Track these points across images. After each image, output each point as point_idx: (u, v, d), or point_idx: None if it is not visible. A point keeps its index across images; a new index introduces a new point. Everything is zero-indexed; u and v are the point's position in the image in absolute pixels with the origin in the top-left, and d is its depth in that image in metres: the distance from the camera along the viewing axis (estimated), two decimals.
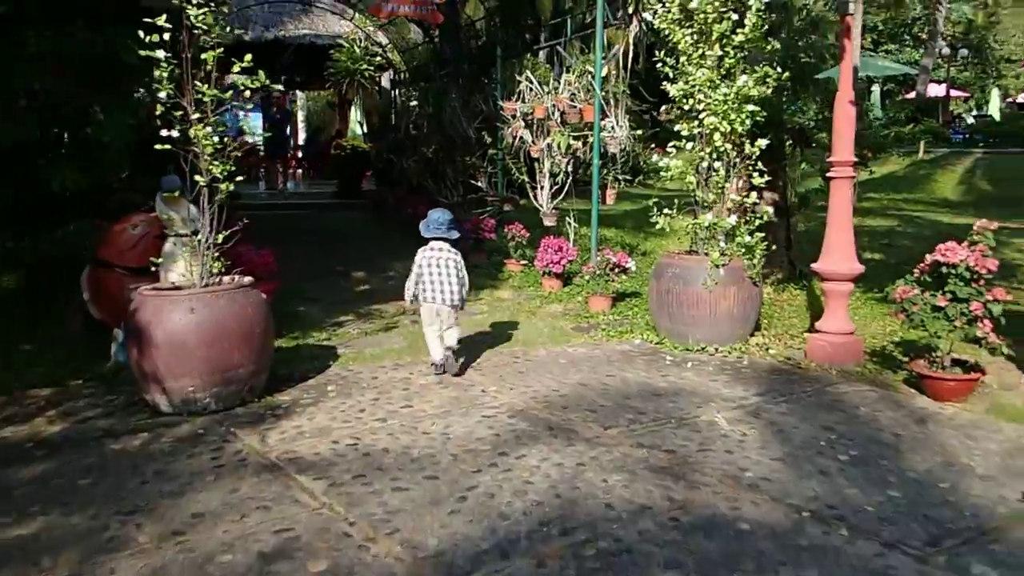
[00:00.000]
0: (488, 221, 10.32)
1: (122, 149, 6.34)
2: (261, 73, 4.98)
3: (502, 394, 5.19)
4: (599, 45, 8.36)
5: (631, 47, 24.46)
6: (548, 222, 9.58)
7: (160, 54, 4.57)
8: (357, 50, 17.86)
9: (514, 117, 9.95)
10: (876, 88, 31.20)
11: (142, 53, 4.59)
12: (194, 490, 3.80)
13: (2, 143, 5.65)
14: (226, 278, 5.33)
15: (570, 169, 9.41)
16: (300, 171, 24.06)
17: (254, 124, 29.97)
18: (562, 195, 9.47)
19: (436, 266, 5.70)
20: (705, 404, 4.93)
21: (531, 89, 9.73)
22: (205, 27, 4.71)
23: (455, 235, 5.83)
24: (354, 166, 18.12)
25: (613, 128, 9.06)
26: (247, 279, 5.26)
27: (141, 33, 4.56)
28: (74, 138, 6.38)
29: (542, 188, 9.71)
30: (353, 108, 26.25)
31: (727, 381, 5.42)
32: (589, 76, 9.43)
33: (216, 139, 4.86)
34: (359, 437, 4.44)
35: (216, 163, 4.92)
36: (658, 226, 6.61)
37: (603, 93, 9.02)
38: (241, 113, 27.09)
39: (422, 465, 4.02)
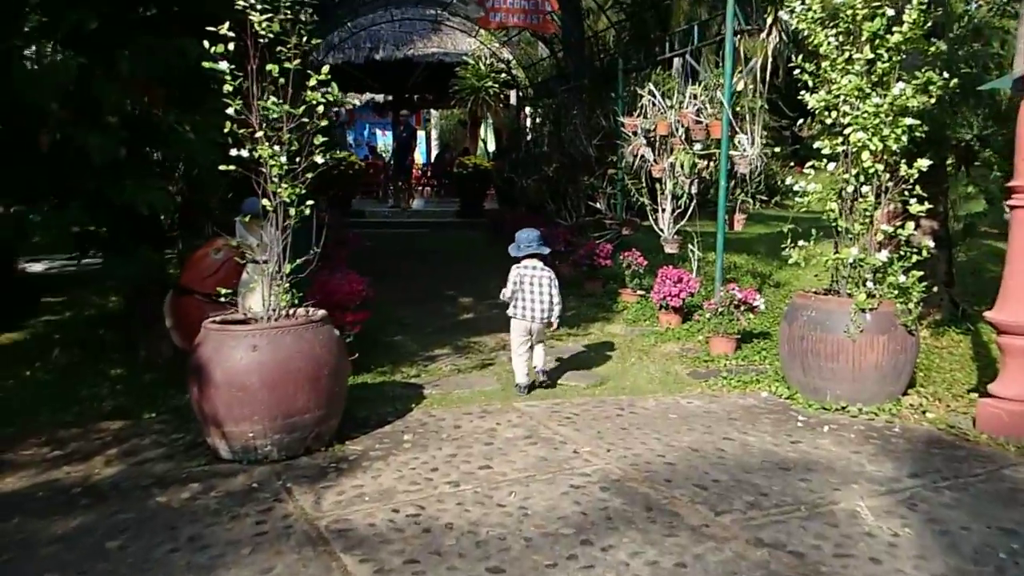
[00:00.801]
0: (604, 246, 9.58)
1: (212, 169, 6.02)
2: (334, 86, 4.47)
3: (597, 457, 4.44)
4: (729, 53, 7.50)
5: (770, 59, 23.13)
6: (669, 249, 8.75)
7: (223, 66, 4.13)
8: (482, 67, 17.54)
9: (635, 134, 9.18)
10: None
11: (205, 65, 4.17)
12: (225, 566, 3.27)
13: (94, 162, 5.41)
14: (300, 311, 4.86)
15: (694, 191, 8.55)
16: (429, 189, 24.08)
17: (386, 142, 30.46)
18: (685, 219, 8.62)
19: (531, 282, 5.73)
20: (845, 486, 4.02)
21: (654, 104, 8.94)
22: (271, 35, 4.22)
23: (546, 251, 5.86)
24: (476, 184, 17.80)
25: (743, 145, 8.15)
26: (319, 313, 4.75)
27: (206, 43, 4.14)
28: (163, 158, 6.12)
29: (663, 211, 8.89)
30: (483, 126, 26.16)
31: (873, 454, 4.47)
32: (720, 89, 8.57)
33: (284, 159, 4.37)
34: (423, 506, 3.81)
35: (285, 186, 4.43)
36: (791, 260, 5.69)
37: (737, 108, 8.15)
38: (379, 131, 27.47)
39: (487, 552, 3.34)
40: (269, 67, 4.21)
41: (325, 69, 4.48)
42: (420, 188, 24.85)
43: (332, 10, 13.06)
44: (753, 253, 12.29)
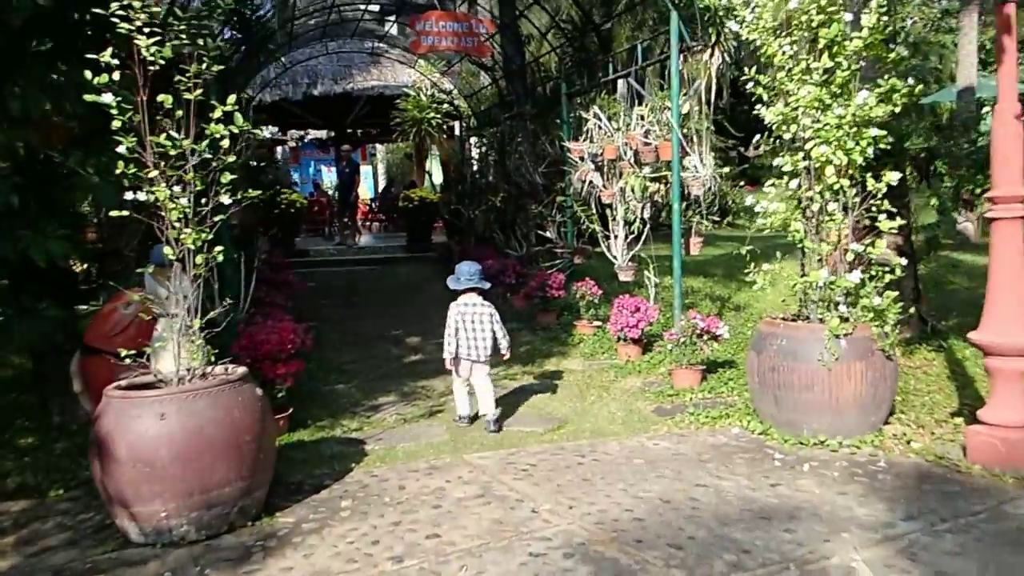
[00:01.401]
0: (556, 277, 9.17)
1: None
2: (238, 117, 3.98)
3: (558, 516, 3.96)
4: (675, 71, 7.20)
5: (714, 80, 23.18)
6: (624, 276, 8.36)
7: (108, 98, 3.62)
8: (423, 98, 17.21)
9: (582, 159, 8.82)
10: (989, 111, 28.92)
11: (87, 98, 3.65)
12: None
13: None
14: (218, 368, 4.33)
15: (647, 215, 8.19)
16: (376, 224, 23.57)
17: (331, 179, 29.89)
18: (639, 245, 8.26)
19: (471, 321, 5.63)
20: (835, 535, 3.60)
21: (600, 127, 8.60)
22: (161, 62, 3.73)
23: (487, 285, 5.77)
24: (422, 218, 17.34)
25: (695, 167, 7.83)
26: (239, 371, 4.22)
27: (88, 73, 3.62)
28: (69, 203, 5.53)
29: (616, 238, 8.51)
30: (428, 158, 25.76)
31: (861, 495, 4.06)
32: (666, 111, 8.27)
33: (186, 202, 3.86)
34: None
35: (189, 231, 3.92)
36: (756, 286, 5.32)
37: (684, 130, 7.83)
38: (324, 168, 26.86)
39: None
40: (161, 98, 3.71)
41: (232, 99, 4.00)
42: (367, 224, 24.34)
43: (258, 44, 12.57)
44: (710, 276, 11.99)
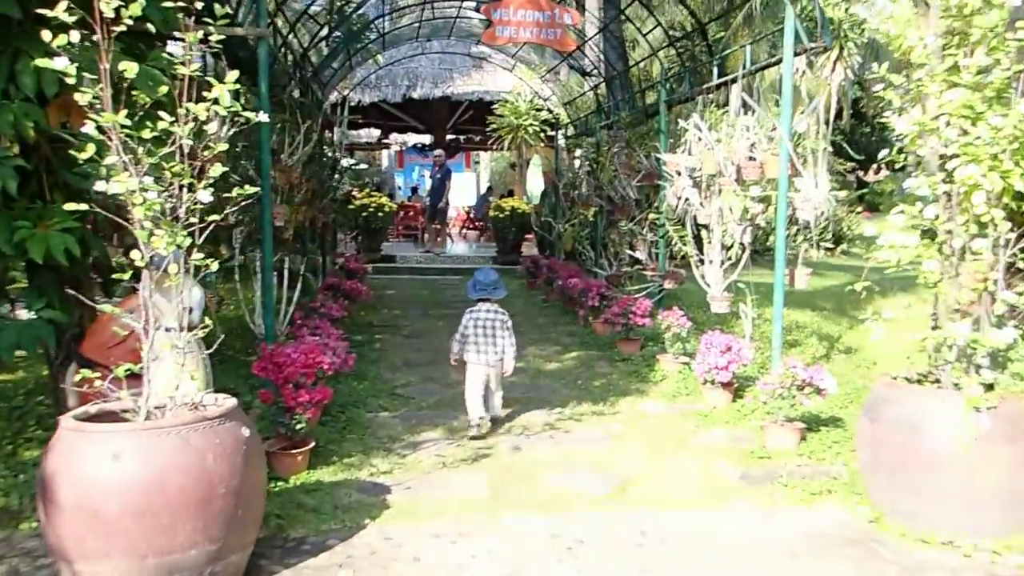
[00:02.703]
0: (642, 303, 8.25)
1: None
2: (223, 95, 3.27)
3: None
4: (788, 71, 6.22)
5: (833, 97, 21.57)
6: (717, 307, 7.37)
7: (60, 63, 2.96)
8: (521, 104, 16.53)
9: (678, 173, 7.88)
10: None
11: (37, 63, 3.03)
12: None
13: None
14: (209, 398, 3.66)
15: (747, 239, 7.18)
16: (473, 232, 23.12)
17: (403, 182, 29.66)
18: (737, 272, 7.26)
19: (482, 326, 5.77)
20: None
21: (699, 139, 7.65)
22: (130, 22, 3.04)
23: (501, 294, 5.96)
24: (513, 229, 16.65)
25: (806, 188, 6.79)
26: (226, 404, 3.52)
27: (47, 34, 2.99)
28: (77, 190, 4.98)
29: (711, 263, 7.53)
30: (531, 167, 25.16)
31: None
32: (775, 122, 7.28)
33: (156, 196, 3.18)
34: None
35: (161, 232, 3.24)
36: (874, 335, 4.28)
37: (798, 149, 6.83)
38: (426, 173, 26.53)
39: None
40: (124, 66, 3.03)
41: (232, 75, 3.31)
42: (464, 232, 23.91)
43: (348, 37, 12.15)
44: (818, 309, 10.80)
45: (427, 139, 26.02)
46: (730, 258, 7.37)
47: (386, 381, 7.10)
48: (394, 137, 28.99)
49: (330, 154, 12.37)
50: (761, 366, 7.38)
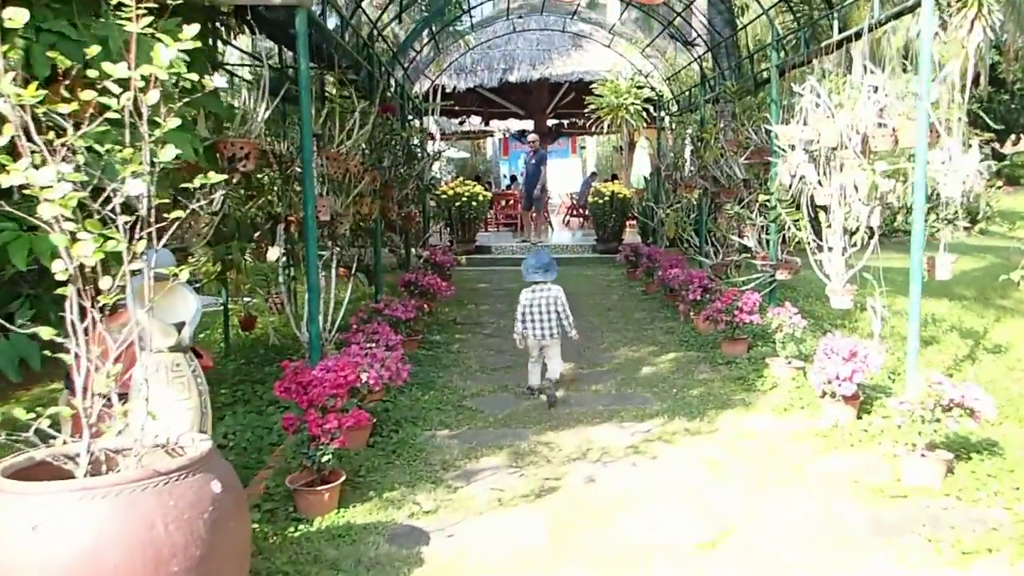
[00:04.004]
0: (750, 297, 7.18)
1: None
2: (156, 56, 2.52)
3: None
4: (928, 12, 5.08)
5: (971, 61, 19.58)
6: (838, 302, 6.27)
7: None
8: (622, 82, 15.54)
9: (792, 148, 6.79)
10: None
11: None
12: None
13: None
14: (180, 437, 2.98)
15: (875, 222, 6.05)
16: (578, 220, 22.29)
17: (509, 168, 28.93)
18: (863, 260, 6.14)
19: (537, 304, 6.16)
20: None
21: (817, 105, 6.53)
22: None
23: (552, 276, 6.25)
24: (613, 215, 15.65)
25: (952, 159, 5.60)
26: (198, 449, 2.81)
27: None
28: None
29: (830, 250, 6.42)
30: (637, 149, 24.10)
31: None
32: (910, 82, 6.10)
33: (70, 186, 2.45)
34: None
35: (79, 229, 2.51)
36: None
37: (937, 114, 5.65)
38: (522, 161, 25.95)
39: None
40: (9, 14, 2.32)
41: (188, 33, 2.57)
42: (567, 220, 23.10)
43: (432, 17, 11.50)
44: (957, 298, 9.41)
45: (529, 125, 25.25)
46: (854, 244, 6.26)
47: (455, 390, 6.35)
48: (495, 124, 28.38)
49: (414, 141, 11.77)
50: (892, 371, 6.27)
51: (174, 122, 2.58)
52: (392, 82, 10.47)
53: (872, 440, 4.87)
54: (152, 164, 2.62)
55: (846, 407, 5.19)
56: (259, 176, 6.32)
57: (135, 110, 2.58)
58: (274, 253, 6.31)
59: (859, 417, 5.24)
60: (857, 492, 4.17)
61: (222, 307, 8.04)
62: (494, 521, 3.95)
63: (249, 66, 9.09)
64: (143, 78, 2.48)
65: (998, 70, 25.02)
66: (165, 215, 2.75)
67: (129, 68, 2.52)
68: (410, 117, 12.44)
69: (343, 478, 4.10)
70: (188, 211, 2.77)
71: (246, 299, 8.60)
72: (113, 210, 2.58)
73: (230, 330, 8.03)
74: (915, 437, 4.19)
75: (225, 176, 2.80)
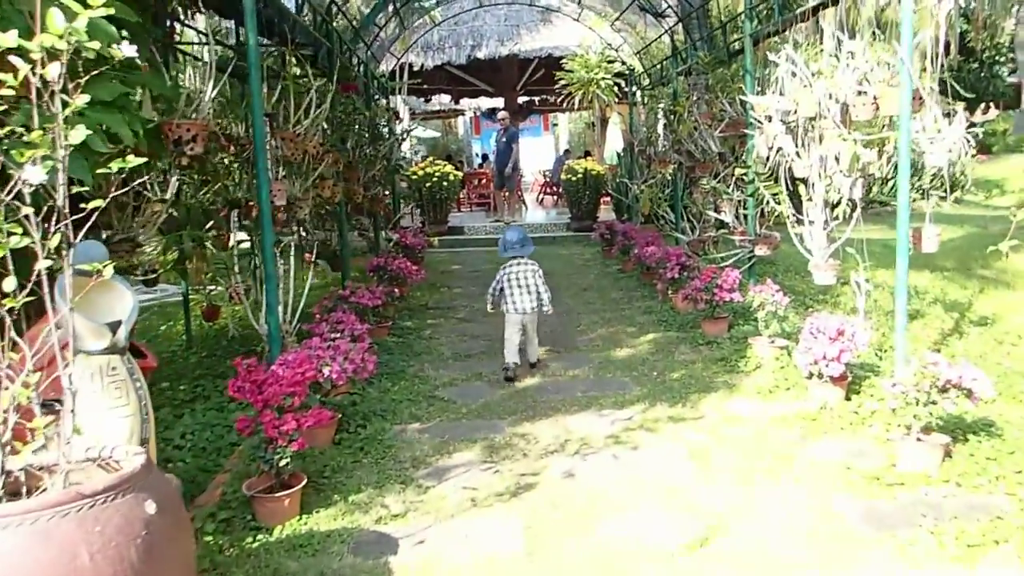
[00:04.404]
0: (729, 275, 6.96)
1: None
2: (51, 19, 2.20)
3: None
4: None
5: (942, 30, 19.46)
6: (821, 277, 6.05)
7: None
8: (592, 56, 15.23)
9: (768, 119, 6.54)
10: None
11: None
12: None
13: None
14: (115, 449, 2.68)
15: (857, 194, 5.82)
16: (552, 198, 22.03)
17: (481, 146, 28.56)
18: (845, 234, 5.92)
19: (517, 278, 6.24)
20: None
21: (793, 74, 6.27)
22: None
23: (529, 251, 6.41)
24: (587, 192, 15.37)
25: (938, 128, 5.37)
26: (132, 466, 2.51)
27: None
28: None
29: (812, 224, 6.20)
30: (609, 125, 23.86)
31: None
32: (886, 50, 5.86)
33: None
34: None
35: None
36: None
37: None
38: (493, 140, 25.66)
39: None
40: None
41: None
42: (540, 198, 22.85)
43: None
44: (938, 269, 9.25)
45: (499, 102, 24.86)
46: (835, 217, 6.03)
47: (426, 380, 6.08)
48: (466, 102, 27.96)
49: (381, 121, 11.39)
50: (878, 347, 6.08)
51: (83, 99, 2.26)
52: (355, 60, 10.08)
53: (863, 423, 4.66)
54: (66, 147, 2.30)
55: (834, 388, 4.98)
56: (215, 160, 5.99)
57: (43, 87, 2.26)
58: (234, 240, 5.99)
59: (848, 398, 5.03)
60: (851, 480, 3.96)
61: (183, 297, 7.68)
62: (467, 524, 3.68)
63: (205, 44, 8.67)
64: (44, 49, 2.15)
65: (967, 39, 24.98)
66: (83, 205, 2.43)
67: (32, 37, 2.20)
68: (376, 96, 12.06)
69: (304, 482, 3.81)
70: (108, 200, 2.45)
71: (210, 288, 8.25)
72: (20, 199, 2.26)
73: (191, 321, 7.68)
74: (910, 420, 3.98)
75: (144, 160, 2.46)
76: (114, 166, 2.39)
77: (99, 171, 2.49)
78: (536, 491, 4.01)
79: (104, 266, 2.59)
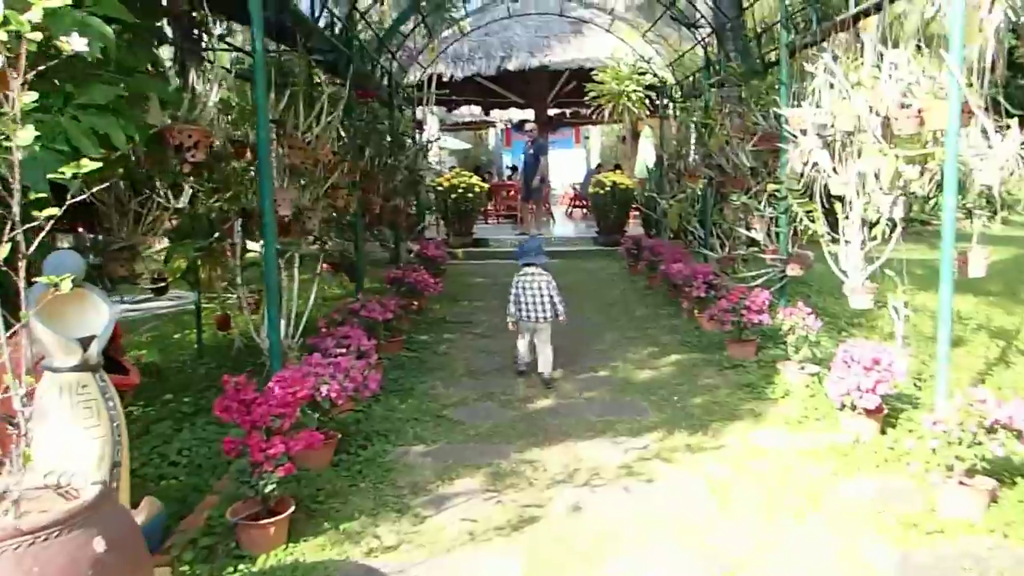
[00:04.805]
0: (758, 296, 6.63)
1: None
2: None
3: None
4: None
5: (989, 44, 18.90)
6: (857, 302, 5.69)
7: None
8: (624, 68, 14.97)
9: (803, 132, 6.22)
10: None
11: None
12: None
13: None
14: (74, 477, 2.45)
15: (898, 213, 5.47)
16: (580, 212, 21.79)
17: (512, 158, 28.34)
18: (884, 255, 5.58)
19: (529, 287, 6.29)
20: None
21: (831, 85, 5.95)
22: None
23: (543, 260, 6.47)
24: (614, 206, 15.07)
25: (988, 143, 5.02)
26: (83, 498, 2.27)
27: None
28: None
29: (848, 244, 5.86)
30: (642, 139, 23.59)
31: None
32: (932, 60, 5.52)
33: None
34: None
35: None
36: None
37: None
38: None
39: None
40: None
41: None
42: (570, 212, 22.64)
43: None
44: (982, 293, 8.83)
45: (529, 114, 24.66)
46: (873, 237, 5.69)
47: (436, 398, 5.82)
48: (496, 114, 27.79)
49: (405, 131, 11.21)
50: (916, 375, 5.71)
51: (29, 97, 2.03)
52: (378, 68, 9.90)
53: (899, 460, 4.31)
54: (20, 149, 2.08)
55: (868, 421, 4.63)
56: (225, 168, 5.80)
57: None
58: (241, 250, 5.78)
59: (883, 432, 4.68)
60: (885, 525, 3.62)
61: (194, 306, 7.50)
62: (462, 561, 3.40)
63: (225, 50, 8.54)
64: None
65: (1015, 55, 24.34)
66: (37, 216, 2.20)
67: None
68: (401, 106, 11.90)
69: (292, 508, 3.56)
70: (64, 208, 2.22)
71: (224, 297, 8.08)
72: None
73: (203, 331, 7.50)
74: (952, 461, 3.64)
75: (99, 164, 2.23)
76: (67, 170, 2.16)
77: (52, 177, 2.24)
78: (539, 525, 3.72)
79: (63, 279, 2.35)
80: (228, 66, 7.72)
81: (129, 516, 2.45)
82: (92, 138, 3.44)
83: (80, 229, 4.63)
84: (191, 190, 5.26)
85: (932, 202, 10.65)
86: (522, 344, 6.40)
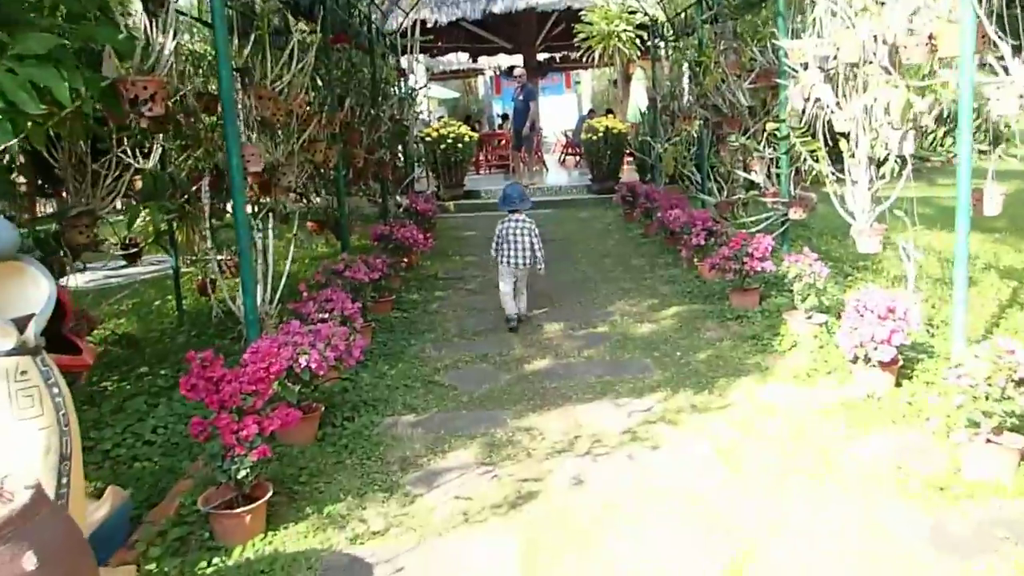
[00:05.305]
0: (761, 241, 6.31)
1: None
2: None
3: None
4: None
5: None
6: (866, 244, 5.40)
7: None
8: (614, 7, 14.45)
9: (804, 67, 5.85)
10: None
11: None
12: None
13: None
14: (6, 478, 2.17)
15: (908, 149, 5.13)
16: (575, 159, 21.34)
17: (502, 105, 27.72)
18: (893, 195, 5.26)
19: (512, 233, 6.37)
20: None
21: (833, 13, 5.57)
22: None
23: (528, 205, 6.54)
24: (608, 152, 14.65)
25: (1005, 70, 4.67)
26: (5, 512, 2.00)
27: None
28: None
29: (854, 183, 5.53)
30: (633, 82, 23.01)
31: None
32: None
33: None
34: None
35: None
36: None
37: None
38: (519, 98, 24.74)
39: None
40: None
41: None
42: (562, 159, 22.20)
43: None
44: (988, 230, 8.53)
45: (518, 60, 24.01)
46: (882, 176, 5.37)
47: (427, 361, 5.55)
48: (484, 60, 27.11)
49: (391, 80, 10.77)
50: (928, 321, 5.43)
51: None
52: (357, 13, 9.43)
53: (918, 415, 4.05)
54: None
55: (883, 373, 4.36)
56: (196, 123, 5.43)
57: None
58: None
59: (898, 384, 4.42)
60: (909, 490, 3.37)
61: (172, 271, 7.18)
62: (456, 545, 3.15)
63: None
64: None
65: None
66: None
67: None
68: (385, 54, 11.43)
69: (270, 494, 3.30)
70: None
71: (205, 261, 7.76)
72: None
73: (183, 296, 7.20)
74: (979, 416, 3.37)
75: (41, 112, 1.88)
76: None
77: None
78: (537, 501, 3.46)
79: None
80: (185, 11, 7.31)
81: (70, 523, 2.18)
82: (31, 92, 3.12)
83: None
84: (160, 149, 4.92)
85: (931, 137, 10.29)
86: (506, 289, 6.39)
